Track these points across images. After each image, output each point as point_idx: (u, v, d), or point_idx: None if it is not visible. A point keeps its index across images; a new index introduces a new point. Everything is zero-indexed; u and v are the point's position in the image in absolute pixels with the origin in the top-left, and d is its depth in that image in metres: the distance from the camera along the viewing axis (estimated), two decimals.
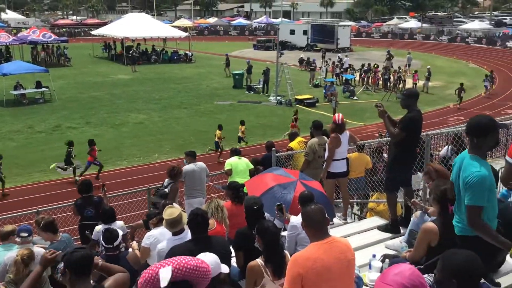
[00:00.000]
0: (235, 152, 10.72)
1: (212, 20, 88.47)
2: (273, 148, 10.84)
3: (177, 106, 28.62)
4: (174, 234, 5.36)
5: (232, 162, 10.40)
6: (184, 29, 61.36)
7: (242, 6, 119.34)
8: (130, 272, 5.41)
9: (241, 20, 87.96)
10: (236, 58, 49.95)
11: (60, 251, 4.25)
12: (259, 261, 4.37)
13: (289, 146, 10.97)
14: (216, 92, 32.53)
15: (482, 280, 3.03)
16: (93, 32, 53.65)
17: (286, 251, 4.64)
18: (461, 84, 29.41)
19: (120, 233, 5.77)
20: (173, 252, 4.46)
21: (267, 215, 6.28)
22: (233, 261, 5.41)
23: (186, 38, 49.93)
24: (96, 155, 16.88)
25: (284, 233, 5.69)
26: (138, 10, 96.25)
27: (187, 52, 48.43)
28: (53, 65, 41.98)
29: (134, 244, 6.56)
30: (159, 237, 5.85)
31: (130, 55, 43.68)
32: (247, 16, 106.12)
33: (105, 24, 65.86)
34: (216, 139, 19.61)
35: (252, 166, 10.34)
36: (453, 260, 2.95)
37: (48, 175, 17.29)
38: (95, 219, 8.11)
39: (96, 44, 51.07)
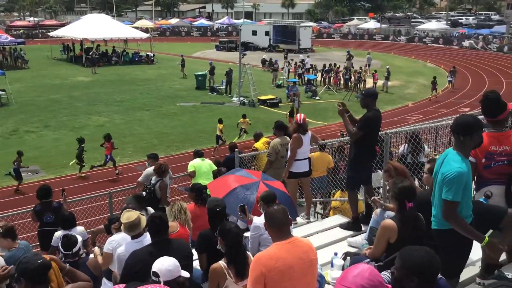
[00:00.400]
0: (198, 154, 10.67)
1: (173, 21, 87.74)
2: (236, 149, 10.83)
3: (139, 108, 28.26)
4: (133, 237, 5.29)
5: (195, 164, 10.34)
6: (145, 30, 60.66)
7: (204, 7, 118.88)
8: (91, 279, 5.31)
9: (203, 21, 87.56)
10: (198, 59, 49.75)
11: (13, 266, 4.11)
12: (222, 263, 4.36)
13: (254, 147, 11.00)
14: (179, 94, 32.29)
15: (439, 276, 3.08)
16: (51, 34, 52.41)
17: (248, 252, 4.63)
18: (434, 78, 31.38)
19: (80, 239, 5.65)
20: (134, 256, 4.40)
21: (230, 216, 6.26)
22: (196, 264, 5.37)
23: (147, 39, 49.37)
24: (112, 148, 17.26)
25: (247, 234, 5.69)
26: (97, 11, 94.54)
27: (148, 53, 47.90)
28: (9, 68, 40.79)
29: (96, 250, 6.44)
30: (121, 242, 5.74)
31: (89, 56, 42.87)
32: (209, 17, 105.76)
33: (63, 25, 64.38)
34: (218, 133, 19.97)
35: (215, 168, 10.31)
36: (413, 257, 2.99)
37: (6, 181, 16.77)
38: (55, 225, 7.91)
39: (54, 45, 49.88)
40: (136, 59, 47.37)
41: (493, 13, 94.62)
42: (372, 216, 5.58)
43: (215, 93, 32.43)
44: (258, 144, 10.97)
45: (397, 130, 8.39)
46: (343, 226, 7.19)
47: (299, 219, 8.23)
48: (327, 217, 9.10)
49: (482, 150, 4.68)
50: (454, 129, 4.12)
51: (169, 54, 53.09)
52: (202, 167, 10.15)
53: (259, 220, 5.54)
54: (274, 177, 8.32)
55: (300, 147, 7.94)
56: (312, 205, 9.22)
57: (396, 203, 4.45)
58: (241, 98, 29.60)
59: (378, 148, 8.74)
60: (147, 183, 9.11)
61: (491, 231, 4.09)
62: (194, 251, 5.44)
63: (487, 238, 3.96)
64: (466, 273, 4.59)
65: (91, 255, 6.19)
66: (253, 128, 22.10)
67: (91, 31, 44.68)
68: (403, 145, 10.58)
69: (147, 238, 4.97)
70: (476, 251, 4.41)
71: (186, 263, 4.08)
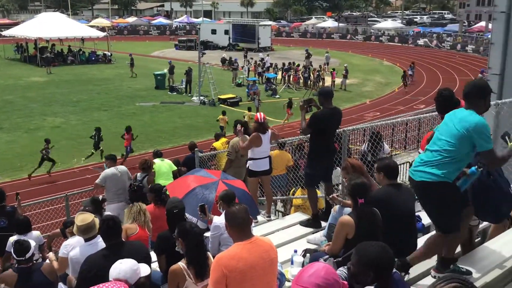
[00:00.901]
0: (157, 155, 10.54)
1: (131, 19, 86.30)
2: (196, 149, 10.77)
3: (96, 108, 27.70)
4: (87, 240, 5.18)
5: (155, 164, 10.20)
6: (102, 29, 59.45)
7: (162, 6, 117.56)
8: (46, 284, 5.17)
9: (161, 20, 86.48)
10: (157, 58, 49.19)
11: None
12: (181, 264, 4.31)
13: (213, 146, 10.96)
14: (138, 94, 31.85)
15: (394, 270, 3.14)
16: (4, 33, 50.71)
17: (208, 253, 4.60)
18: (404, 72, 34.00)
19: (33, 244, 5.48)
20: (88, 261, 4.30)
21: (190, 217, 6.22)
22: (156, 266, 5.31)
23: (104, 38, 48.41)
24: (131, 139, 18.36)
25: (207, 234, 5.65)
26: (52, 10, 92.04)
27: (105, 52, 46.98)
28: None
29: (51, 255, 6.26)
30: (76, 246, 5.62)
31: (44, 56, 41.69)
32: (168, 15, 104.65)
33: (16, 24, 62.38)
34: (221, 124, 21.12)
35: (175, 168, 10.21)
36: (368, 252, 3.03)
37: None
38: (9, 230, 7.65)
39: (7, 45, 48.26)
40: (93, 58, 46.40)
41: (446, 12, 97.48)
42: (331, 212, 5.64)
43: (175, 93, 32.18)
44: (216, 144, 10.95)
45: (355, 127, 8.50)
46: (303, 224, 7.24)
47: (260, 218, 8.23)
48: (287, 215, 9.16)
49: None
50: (467, 92, 4.20)
51: (128, 53, 52.17)
52: (162, 167, 10.02)
53: (219, 220, 5.52)
54: (235, 176, 8.32)
55: (258, 146, 7.94)
56: (272, 203, 9.26)
57: (352, 200, 4.52)
58: (201, 98, 29.45)
59: (337, 145, 8.87)
60: (132, 180, 9.01)
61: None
62: (153, 253, 5.37)
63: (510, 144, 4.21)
64: (422, 267, 4.70)
65: (47, 260, 6.03)
66: (214, 127, 22.09)
67: (46, 30, 43.45)
68: (365, 143, 10.77)
69: (100, 240, 4.87)
70: None
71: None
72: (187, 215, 5.78)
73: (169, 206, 5.32)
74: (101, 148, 18.58)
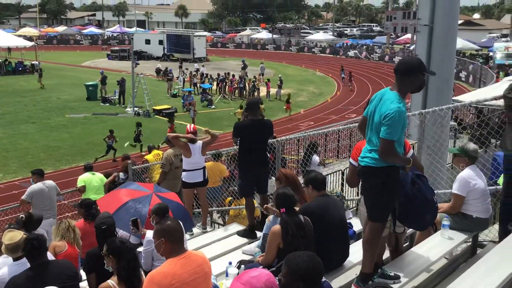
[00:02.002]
0: (88, 168, 10.21)
1: (61, 28, 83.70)
2: (129, 161, 10.53)
3: (24, 120, 26.50)
4: (15, 259, 4.90)
5: (85, 178, 9.88)
6: (30, 39, 57.13)
7: (94, 15, 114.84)
8: None
9: (93, 29, 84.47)
10: (88, 68, 47.86)
11: None
12: (111, 282, 4.16)
13: (145, 159, 10.76)
14: (68, 105, 30.81)
15: (323, 279, 3.17)
16: None
17: (141, 270, 4.47)
18: (350, 72, 36.42)
19: None
20: (12, 282, 4.07)
21: (122, 232, 6.05)
22: (86, 285, 5.10)
23: (32, 48, 46.47)
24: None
25: (140, 249, 5.51)
26: None
27: (33, 62, 45.10)
28: None
29: None
30: (2, 266, 5.31)
31: None
32: (99, 25, 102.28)
33: None
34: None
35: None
36: (296, 263, 3.04)
37: None
38: None
39: None
40: (20, 68, 44.40)
41: (374, 24, 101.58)
42: (266, 222, 5.65)
43: (108, 104, 31.46)
44: (149, 156, 10.81)
45: (288, 137, 8.61)
46: (240, 234, 7.22)
47: (195, 229, 8.15)
48: (223, 225, 9.12)
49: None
50: (396, 68, 4.24)
51: (57, 63, 50.55)
52: (93, 181, 9.72)
53: (152, 234, 5.38)
54: (170, 189, 8.20)
55: (187, 156, 7.90)
56: (208, 214, 9.19)
57: (277, 209, 4.60)
58: (136, 109, 28.93)
59: (272, 155, 8.94)
60: (117, 181, 9.06)
61: (411, 152, 4.49)
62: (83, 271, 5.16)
63: (411, 161, 4.36)
64: (351, 273, 4.80)
65: None
66: (148, 139, 21.71)
67: None
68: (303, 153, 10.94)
69: None
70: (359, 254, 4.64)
71: (71, 284, 3.84)
72: (119, 230, 5.62)
73: (98, 222, 5.16)
74: (141, 143, 20.83)
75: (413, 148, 7.35)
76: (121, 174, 9.06)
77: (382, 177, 4.23)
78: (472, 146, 5.54)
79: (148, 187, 7.11)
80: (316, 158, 11.17)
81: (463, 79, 40.50)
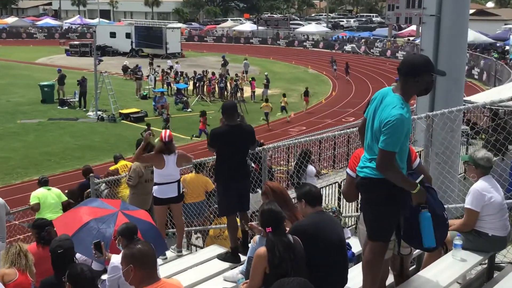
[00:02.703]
0: (43, 183, 10.12)
1: (11, 20, 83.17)
2: (91, 174, 10.48)
3: None
4: None
5: (40, 194, 9.81)
6: None
7: (50, 4, 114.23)
8: None
9: (48, 21, 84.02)
10: (44, 66, 47.57)
11: None
12: None
13: (110, 170, 10.70)
14: (20, 109, 30.64)
15: None
16: None
17: None
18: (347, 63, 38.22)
19: None
20: None
21: (82, 257, 5.99)
22: None
23: None
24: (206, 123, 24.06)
25: (104, 277, 5.46)
26: None
27: None
28: None
29: None
30: None
31: None
32: (56, 15, 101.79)
33: None
34: (266, 110, 27.58)
35: (65, 198, 9.87)
36: None
37: None
38: None
39: None
40: None
41: (374, 14, 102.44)
42: (250, 244, 5.64)
43: (66, 107, 31.34)
44: (115, 168, 10.71)
45: (276, 144, 8.61)
46: (221, 258, 7.20)
47: (169, 253, 8.11)
48: (202, 248, 9.09)
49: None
50: (399, 68, 4.26)
51: (6, 60, 50.15)
52: (48, 198, 9.65)
53: (118, 260, 5.33)
54: (139, 206, 8.14)
55: (160, 168, 7.86)
56: (185, 235, 9.15)
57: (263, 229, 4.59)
58: (99, 112, 28.84)
59: (257, 166, 8.94)
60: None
61: (422, 176, 4.38)
62: None
63: (419, 186, 4.25)
64: None
65: None
66: (114, 147, 21.62)
67: None
68: (294, 163, 10.96)
69: None
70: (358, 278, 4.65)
71: None
72: (79, 255, 5.57)
73: (53, 245, 5.12)
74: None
75: (420, 157, 7.41)
76: (103, 186, 9.01)
77: (384, 189, 4.24)
78: (481, 153, 5.54)
79: (113, 204, 7.06)
80: (311, 168, 11.20)
81: (476, 76, 41.05)
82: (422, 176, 4.44)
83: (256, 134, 7.46)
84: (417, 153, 5.20)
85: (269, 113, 27.94)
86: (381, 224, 4.33)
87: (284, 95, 30.18)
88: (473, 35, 44.18)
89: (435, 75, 4.33)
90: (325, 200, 10.32)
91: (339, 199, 10.24)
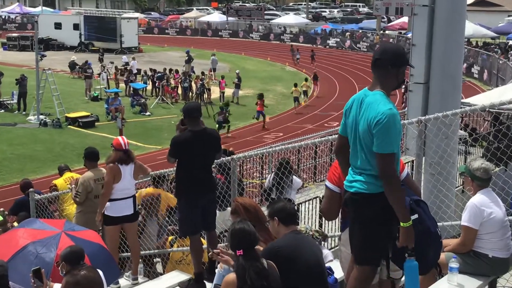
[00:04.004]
0: None
1: None
2: (31, 189, 10.36)
3: None
4: None
5: None
6: None
7: None
8: None
9: None
10: None
11: None
12: None
13: (53, 184, 10.60)
14: None
15: None
16: None
17: None
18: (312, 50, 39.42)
19: None
20: None
21: (17, 286, 5.90)
22: None
23: None
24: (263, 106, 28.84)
25: None
26: None
27: None
28: None
29: None
30: None
31: None
32: None
33: None
34: (295, 95, 32.58)
35: (1, 218, 9.74)
36: None
37: None
38: None
39: None
40: None
41: (361, 4, 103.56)
42: (217, 270, 5.63)
43: (3, 110, 31.12)
44: (59, 181, 10.62)
45: (247, 154, 8.62)
46: (183, 285, 7.19)
47: (123, 281, 8.06)
48: (162, 274, 9.03)
49: None
50: (379, 57, 4.30)
51: None
52: None
53: None
54: (87, 225, 8.06)
55: (118, 181, 7.80)
56: (141, 259, 9.09)
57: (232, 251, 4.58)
58: (41, 117, 28.59)
59: (223, 177, 8.93)
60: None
61: (416, 216, 4.37)
62: None
63: (411, 221, 4.23)
64: None
65: None
66: (59, 157, 21.40)
67: None
68: (270, 176, 10.94)
69: None
70: None
71: None
72: (12, 284, 5.48)
73: None
74: (229, 123, 27.32)
75: (411, 167, 7.48)
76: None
77: (378, 206, 4.27)
78: (477, 163, 5.59)
79: (55, 225, 7.00)
80: (297, 180, 11.23)
81: (476, 75, 41.71)
82: (416, 215, 4.43)
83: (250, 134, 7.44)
84: (404, 164, 5.21)
85: (298, 97, 32.84)
86: (373, 245, 4.35)
87: (306, 79, 36.78)
88: (472, 28, 44.83)
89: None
90: (305, 217, 10.38)
91: (320, 217, 10.28)
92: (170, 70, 37.09)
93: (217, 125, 25.93)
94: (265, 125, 29.17)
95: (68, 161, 18.13)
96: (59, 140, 24.86)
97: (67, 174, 10.94)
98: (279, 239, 4.97)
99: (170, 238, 9.76)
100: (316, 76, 38.83)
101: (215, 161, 7.73)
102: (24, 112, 30.37)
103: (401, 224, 4.26)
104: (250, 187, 14.15)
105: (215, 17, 79.59)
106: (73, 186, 9.09)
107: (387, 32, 63.36)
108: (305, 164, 17.10)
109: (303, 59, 49.99)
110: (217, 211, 7.62)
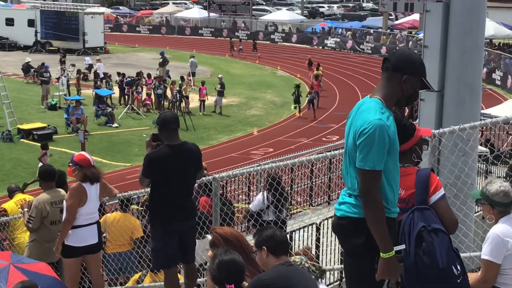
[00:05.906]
0: None
1: None
2: None
3: None
4: None
5: None
6: None
7: None
8: None
9: None
10: None
11: None
12: None
13: (2, 208, 10.51)
14: None
15: None
16: None
17: None
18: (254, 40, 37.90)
19: None
20: None
21: None
22: None
23: None
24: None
25: None
26: None
27: None
28: None
29: None
30: None
31: None
32: None
33: None
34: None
35: None
36: None
37: None
38: None
39: None
40: None
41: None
42: None
43: None
44: (9, 204, 10.52)
45: (231, 172, 8.60)
46: None
47: None
48: None
49: None
50: (387, 58, 4.35)
51: None
52: None
53: None
54: (42, 257, 8.01)
55: (83, 204, 7.77)
56: None
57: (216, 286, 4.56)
58: None
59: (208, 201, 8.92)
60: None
61: (403, 246, 4.37)
62: None
63: (393, 252, 4.20)
64: None
65: None
66: (9, 176, 21.28)
67: None
68: (260, 194, 10.90)
69: None
70: None
71: None
72: None
73: None
74: (300, 104, 33.41)
75: None
76: None
77: (368, 233, 4.27)
78: (494, 187, 5.52)
79: (3, 257, 6.94)
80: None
81: (498, 82, 41.91)
82: (403, 246, 4.42)
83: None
84: (441, 183, 5.10)
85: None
86: (365, 278, 4.35)
87: (318, 68, 40.16)
88: (494, 27, 45.12)
89: (425, 82, 4.39)
90: (298, 246, 10.35)
91: (317, 246, 10.28)
92: (140, 73, 37.01)
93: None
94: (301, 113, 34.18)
95: (19, 181, 18.03)
96: (10, 156, 24.74)
97: (19, 196, 10.84)
98: (268, 271, 4.95)
99: (137, 275, 9.69)
100: (311, 62, 43.32)
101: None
102: None
103: (381, 254, 4.26)
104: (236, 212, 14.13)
105: (195, 12, 79.59)
106: (26, 210, 9.02)
107: (395, 31, 63.57)
108: (299, 185, 17.09)
109: (300, 64, 50.06)
110: (196, 240, 7.61)
